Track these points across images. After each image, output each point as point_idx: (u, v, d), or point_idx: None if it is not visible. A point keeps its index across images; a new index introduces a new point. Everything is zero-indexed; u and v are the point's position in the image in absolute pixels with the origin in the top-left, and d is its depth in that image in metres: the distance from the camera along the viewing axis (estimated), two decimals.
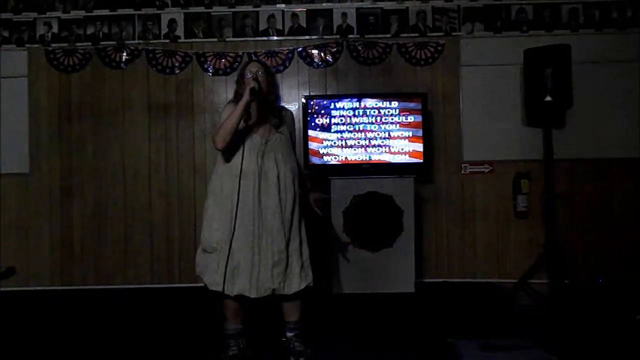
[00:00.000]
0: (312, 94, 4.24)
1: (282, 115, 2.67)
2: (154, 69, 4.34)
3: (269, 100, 2.62)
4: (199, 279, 2.66)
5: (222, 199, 2.56)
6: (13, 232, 4.31)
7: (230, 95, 4.25)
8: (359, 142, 3.97)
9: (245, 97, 2.47)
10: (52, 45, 4.36)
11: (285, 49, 4.34)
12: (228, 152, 2.56)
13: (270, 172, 2.54)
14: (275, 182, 2.54)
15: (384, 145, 3.96)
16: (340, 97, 4.06)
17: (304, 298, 2.69)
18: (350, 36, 4.34)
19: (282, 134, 2.63)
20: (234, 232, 2.49)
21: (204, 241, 2.60)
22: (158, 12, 4.37)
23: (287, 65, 4.32)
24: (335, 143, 3.96)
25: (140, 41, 4.37)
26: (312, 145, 3.95)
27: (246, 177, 2.51)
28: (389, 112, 3.96)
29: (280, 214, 2.54)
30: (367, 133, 3.97)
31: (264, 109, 2.60)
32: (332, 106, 3.98)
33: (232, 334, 2.65)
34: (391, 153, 3.95)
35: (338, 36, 4.34)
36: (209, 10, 4.37)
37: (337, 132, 3.97)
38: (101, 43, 4.36)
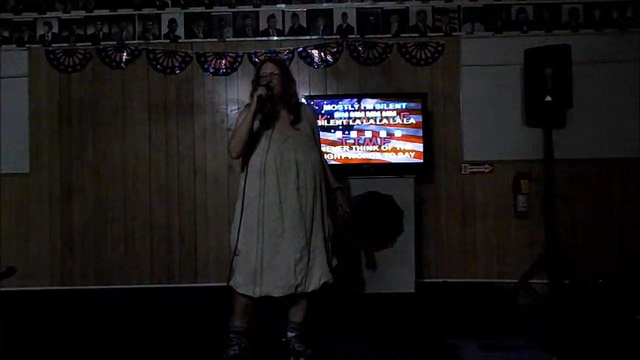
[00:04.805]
0: (312, 94, 4.23)
1: (300, 112, 2.66)
2: (154, 69, 4.34)
3: (284, 97, 2.61)
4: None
5: (246, 200, 2.54)
6: (13, 232, 4.31)
7: (230, 95, 4.35)
8: (359, 142, 3.97)
9: (253, 105, 2.48)
10: (53, 45, 4.36)
11: (285, 49, 4.34)
12: (248, 153, 2.56)
13: (289, 170, 2.53)
14: (294, 180, 2.53)
15: (384, 145, 3.96)
16: (340, 97, 4.06)
17: (313, 299, 2.68)
18: (351, 36, 4.34)
19: (300, 131, 2.61)
20: (257, 233, 2.51)
21: (231, 242, 2.60)
22: (158, 12, 4.38)
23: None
24: (335, 143, 3.97)
25: (141, 41, 4.37)
26: None
27: (267, 176, 2.52)
28: (389, 112, 3.97)
29: (300, 210, 2.53)
30: (367, 133, 3.97)
31: (280, 106, 2.61)
32: (332, 106, 3.98)
33: (236, 331, 2.64)
34: (391, 153, 3.96)
35: (338, 36, 4.35)
36: (209, 10, 4.37)
37: (337, 132, 3.98)
38: (101, 43, 4.36)
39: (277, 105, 2.59)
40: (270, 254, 2.51)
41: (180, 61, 4.35)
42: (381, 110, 3.98)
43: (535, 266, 3.88)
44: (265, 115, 2.54)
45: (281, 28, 4.36)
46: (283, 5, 4.37)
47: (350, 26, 4.35)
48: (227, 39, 4.36)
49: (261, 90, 2.49)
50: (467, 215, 4.29)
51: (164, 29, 4.37)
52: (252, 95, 2.56)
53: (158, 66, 4.35)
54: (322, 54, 4.34)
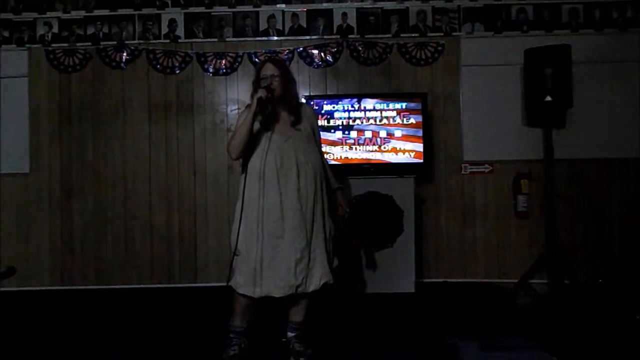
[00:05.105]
0: (312, 94, 4.23)
1: (300, 112, 2.65)
2: (154, 69, 4.34)
3: (285, 99, 2.61)
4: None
5: (245, 200, 2.54)
6: (13, 232, 4.31)
7: (230, 95, 4.35)
8: (359, 142, 3.97)
9: (253, 107, 2.48)
10: (53, 45, 4.36)
11: (285, 49, 4.34)
12: (248, 154, 2.56)
13: (289, 171, 2.53)
14: (295, 181, 2.53)
15: (384, 145, 3.96)
16: (340, 97, 4.06)
17: (314, 299, 2.68)
18: (351, 36, 4.34)
19: (300, 131, 2.61)
20: (257, 234, 2.50)
21: (231, 243, 2.59)
22: (158, 12, 4.37)
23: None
24: (335, 143, 3.97)
25: (141, 41, 4.37)
26: None
27: (267, 177, 2.51)
28: (389, 112, 3.97)
29: (300, 211, 2.53)
30: (367, 133, 3.97)
31: (281, 107, 2.60)
32: (332, 106, 3.98)
33: (236, 331, 2.64)
34: (391, 153, 3.96)
35: (338, 36, 4.34)
36: (209, 10, 4.37)
37: (337, 132, 3.98)
38: (101, 43, 4.36)
39: (277, 107, 2.59)
40: (271, 254, 2.51)
41: (180, 61, 4.35)
42: (381, 110, 3.98)
43: (535, 266, 3.88)
44: (265, 117, 2.53)
45: (281, 28, 4.36)
46: (283, 5, 4.37)
47: (350, 26, 4.35)
48: (227, 39, 4.36)
49: (261, 93, 2.48)
50: (467, 215, 4.29)
51: (164, 29, 4.37)
52: (252, 97, 2.55)
53: (158, 66, 4.35)
54: (322, 54, 4.34)
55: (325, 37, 4.35)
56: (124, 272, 4.30)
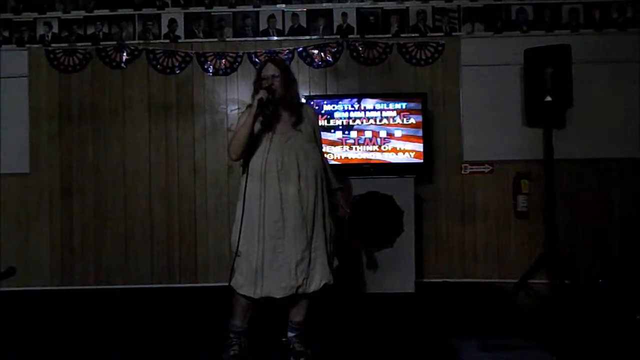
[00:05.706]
0: (312, 94, 4.24)
1: (301, 113, 2.64)
2: (154, 69, 4.34)
3: (286, 99, 2.60)
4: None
5: (246, 201, 2.54)
6: (13, 232, 4.31)
7: (230, 95, 4.35)
8: (359, 142, 3.97)
9: (253, 108, 2.47)
10: (53, 45, 4.36)
11: (285, 49, 4.34)
12: (249, 154, 2.55)
13: (290, 171, 2.52)
14: (296, 181, 2.52)
15: (383, 145, 3.96)
16: (340, 97, 4.06)
17: (314, 299, 2.68)
18: (351, 36, 4.34)
19: (301, 132, 2.60)
20: (257, 235, 2.50)
21: (232, 244, 2.59)
22: (158, 12, 4.38)
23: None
24: (335, 143, 3.97)
25: (141, 41, 4.37)
26: None
27: (268, 178, 2.51)
28: (389, 112, 3.97)
29: (301, 211, 2.52)
30: (367, 133, 3.97)
31: (282, 108, 2.60)
32: (332, 106, 3.99)
33: (237, 331, 2.64)
34: (391, 153, 3.96)
35: (338, 36, 4.35)
36: (209, 10, 4.37)
37: (337, 132, 3.98)
38: (101, 43, 4.36)
39: (278, 107, 2.59)
40: (271, 255, 2.50)
41: (180, 61, 4.35)
42: (381, 110, 3.98)
43: (535, 266, 3.88)
44: (266, 118, 2.53)
45: (281, 28, 4.36)
46: (283, 5, 4.37)
47: (350, 26, 4.35)
48: (227, 39, 4.36)
49: (262, 94, 2.48)
50: (467, 215, 4.29)
51: (164, 29, 4.37)
52: (253, 97, 2.55)
53: (158, 66, 4.35)
54: (322, 54, 4.34)
55: (325, 37, 4.35)
56: (124, 272, 4.30)
